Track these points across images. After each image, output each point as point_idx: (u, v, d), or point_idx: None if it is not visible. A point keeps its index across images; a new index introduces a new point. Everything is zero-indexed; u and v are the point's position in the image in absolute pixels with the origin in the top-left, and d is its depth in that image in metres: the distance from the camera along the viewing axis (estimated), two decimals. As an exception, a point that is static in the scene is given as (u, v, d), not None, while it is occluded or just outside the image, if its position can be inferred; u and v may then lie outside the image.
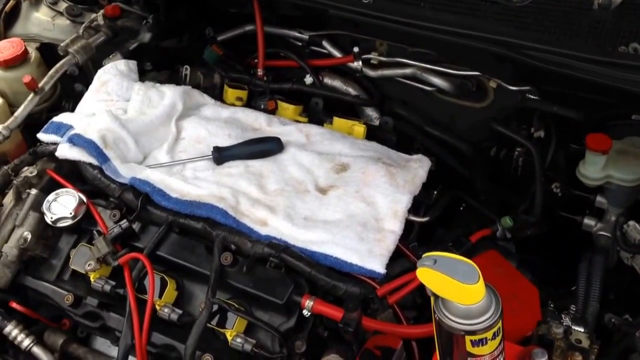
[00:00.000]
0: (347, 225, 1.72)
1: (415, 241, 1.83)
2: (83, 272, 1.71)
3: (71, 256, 1.75)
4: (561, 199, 2.01)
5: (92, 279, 1.70)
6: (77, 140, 1.83)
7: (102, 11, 2.17)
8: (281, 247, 1.65)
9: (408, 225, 1.79)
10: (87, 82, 2.17)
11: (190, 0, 2.31)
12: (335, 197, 1.80)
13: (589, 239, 1.95)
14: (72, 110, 2.09)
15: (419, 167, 1.90)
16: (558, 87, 1.92)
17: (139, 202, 1.76)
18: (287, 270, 1.65)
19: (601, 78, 1.64)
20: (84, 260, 1.71)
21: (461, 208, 2.05)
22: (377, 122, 2.26)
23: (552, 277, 1.95)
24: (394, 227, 1.73)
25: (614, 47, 1.65)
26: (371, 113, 2.28)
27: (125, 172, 1.83)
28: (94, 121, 1.88)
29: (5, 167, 1.88)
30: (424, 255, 1.22)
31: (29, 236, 1.76)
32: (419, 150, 2.10)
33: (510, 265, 1.78)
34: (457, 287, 1.17)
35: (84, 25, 2.13)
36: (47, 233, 1.80)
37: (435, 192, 1.90)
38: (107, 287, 1.69)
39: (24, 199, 1.81)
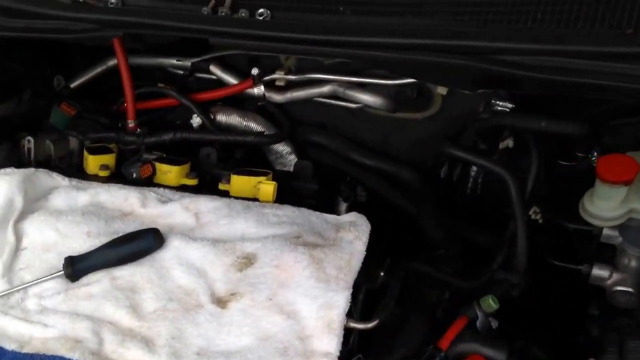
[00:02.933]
0: (259, 356, 1.18)
1: (357, 351, 1.29)
2: None
3: None
4: (541, 228, 1.51)
5: None
6: None
7: None
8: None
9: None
10: None
11: (26, 42, 1.71)
12: (238, 312, 1.26)
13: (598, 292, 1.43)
14: None
15: (354, 238, 1.36)
16: (538, 90, 1.38)
17: (-45, 372, 1.21)
18: None
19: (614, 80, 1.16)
20: None
21: None
22: (289, 159, 1.74)
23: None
24: (329, 346, 1.19)
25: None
26: (282, 148, 1.78)
27: None
28: None
29: None
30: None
31: None
32: (348, 199, 1.56)
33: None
34: None
35: None
36: None
37: (382, 274, 1.35)
38: None
39: None
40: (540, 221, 1.53)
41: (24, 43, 1.70)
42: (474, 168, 1.67)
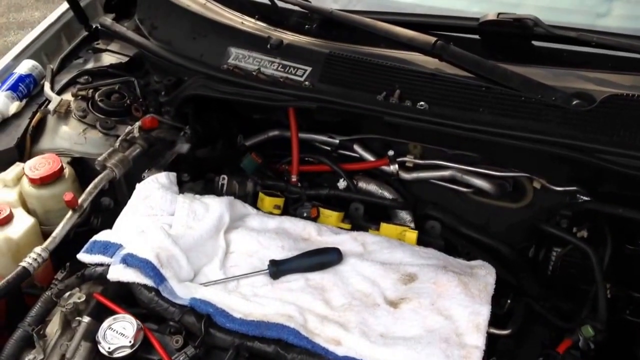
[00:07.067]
0: (429, 342, 1.62)
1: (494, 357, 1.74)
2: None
3: (130, 391, 1.59)
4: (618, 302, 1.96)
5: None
6: (132, 261, 1.69)
7: (138, 123, 2.07)
8: (367, 370, 1.54)
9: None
10: (114, 196, 2.07)
11: (220, 107, 2.23)
12: (409, 311, 1.71)
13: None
14: (100, 225, 2.00)
15: (486, 274, 1.83)
16: (619, 189, 1.89)
17: (201, 325, 1.62)
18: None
19: None
20: (147, 397, 1.55)
21: None
22: (411, 226, 2.20)
23: None
24: (477, 341, 1.63)
25: None
26: (405, 216, 2.22)
27: (182, 292, 1.70)
28: (146, 239, 1.76)
29: (48, 293, 1.71)
30: None
31: (82, 370, 1.58)
32: (468, 255, 2.04)
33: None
34: None
35: (120, 138, 2.03)
36: (99, 365, 1.63)
37: (509, 301, 1.81)
38: None
39: (74, 328, 1.64)
40: (609, 296, 1.89)
41: (221, 108, 2.23)
42: (554, 253, 2.08)
